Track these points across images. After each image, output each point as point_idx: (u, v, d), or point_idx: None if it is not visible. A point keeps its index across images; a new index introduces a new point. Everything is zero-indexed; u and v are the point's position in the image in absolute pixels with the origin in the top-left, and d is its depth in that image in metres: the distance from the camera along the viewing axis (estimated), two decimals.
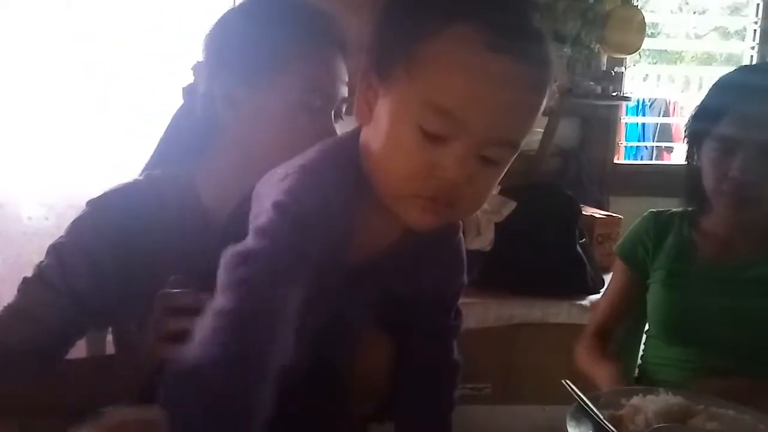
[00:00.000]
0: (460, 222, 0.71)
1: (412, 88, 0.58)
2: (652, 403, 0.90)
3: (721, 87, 1.19)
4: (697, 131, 1.20)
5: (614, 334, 1.33)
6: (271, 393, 0.55)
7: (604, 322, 1.32)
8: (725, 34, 3.48)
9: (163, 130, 1.03)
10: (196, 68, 0.96)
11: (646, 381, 1.24)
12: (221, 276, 0.57)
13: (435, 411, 0.71)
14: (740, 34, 2.96)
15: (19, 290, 0.92)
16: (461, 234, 0.71)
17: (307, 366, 0.65)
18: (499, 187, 1.96)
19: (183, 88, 0.99)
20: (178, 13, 2.07)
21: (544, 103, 0.61)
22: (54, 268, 0.90)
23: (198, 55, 0.96)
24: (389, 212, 0.62)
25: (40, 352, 0.88)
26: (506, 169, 0.63)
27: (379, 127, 0.60)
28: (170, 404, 0.52)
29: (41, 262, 0.92)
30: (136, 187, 0.96)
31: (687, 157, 1.25)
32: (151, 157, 1.03)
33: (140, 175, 0.99)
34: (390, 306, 0.70)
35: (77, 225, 0.93)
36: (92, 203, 0.94)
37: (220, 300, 0.56)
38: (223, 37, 0.93)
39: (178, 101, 1.02)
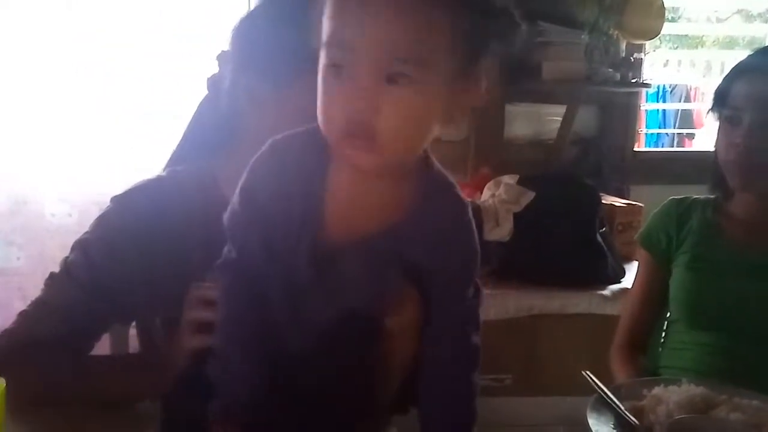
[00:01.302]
0: (468, 202, 0.71)
1: (322, 32, 0.61)
2: (673, 394, 0.90)
3: (737, 68, 1.22)
4: (716, 114, 1.22)
5: (647, 335, 1.31)
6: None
7: (635, 323, 1.31)
8: (748, 16, 3.41)
9: (175, 127, 1.03)
10: (221, 57, 0.95)
11: (667, 366, 1.24)
12: None
13: (455, 394, 0.71)
14: (763, 17, 2.90)
15: (45, 285, 0.94)
16: (470, 215, 0.71)
17: (334, 332, 0.68)
18: (518, 177, 1.96)
19: (207, 79, 0.99)
20: (178, 13, 2.05)
21: (450, 17, 0.60)
22: (79, 263, 0.92)
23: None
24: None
25: (67, 346, 0.90)
26: (426, 94, 0.61)
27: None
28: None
29: (67, 257, 0.93)
30: (159, 183, 0.97)
31: (715, 143, 1.26)
32: (174, 151, 1.04)
33: (163, 170, 1.00)
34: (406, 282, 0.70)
35: (102, 221, 0.94)
36: (116, 199, 0.95)
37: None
38: (250, 33, 0.92)
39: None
